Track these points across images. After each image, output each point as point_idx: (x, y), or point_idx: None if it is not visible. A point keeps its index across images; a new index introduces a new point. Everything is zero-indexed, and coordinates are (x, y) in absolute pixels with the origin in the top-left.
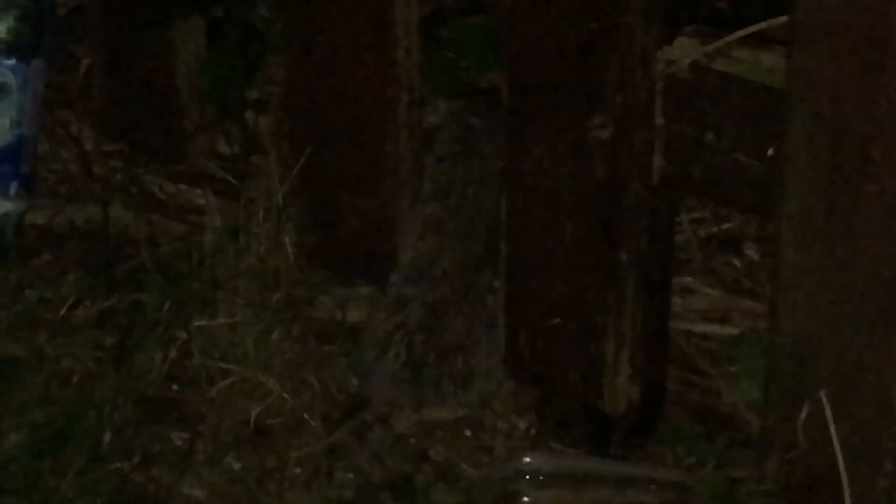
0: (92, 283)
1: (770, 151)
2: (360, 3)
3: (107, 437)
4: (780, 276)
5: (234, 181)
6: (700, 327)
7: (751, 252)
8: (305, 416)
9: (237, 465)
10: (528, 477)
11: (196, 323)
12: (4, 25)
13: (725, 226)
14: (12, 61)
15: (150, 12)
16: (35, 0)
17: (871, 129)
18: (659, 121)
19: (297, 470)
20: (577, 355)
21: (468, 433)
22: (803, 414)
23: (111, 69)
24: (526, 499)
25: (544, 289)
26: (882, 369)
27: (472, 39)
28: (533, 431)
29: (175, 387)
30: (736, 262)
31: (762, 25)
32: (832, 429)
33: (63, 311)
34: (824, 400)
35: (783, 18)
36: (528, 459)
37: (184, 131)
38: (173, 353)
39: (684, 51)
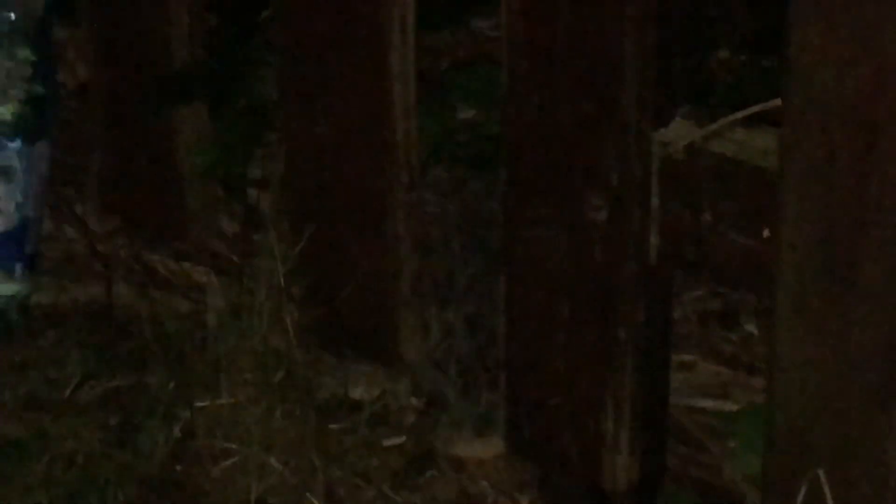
0: (96, 362)
1: (765, 232)
2: (360, 84)
3: None
4: (777, 353)
5: (235, 259)
6: (699, 402)
7: (749, 327)
8: (307, 494)
9: None
10: None
11: (199, 403)
12: (9, 108)
13: (722, 301)
14: (17, 144)
15: (153, 96)
16: (39, 83)
17: (864, 211)
18: (655, 201)
19: None
20: (577, 432)
21: None
22: (802, 492)
23: (114, 148)
24: None
25: (543, 366)
26: (879, 446)
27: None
28: None
29: (178, 466)
30: (734, 336)
31: (757, 108)
32: None
33: (68, 392)
34: (822, 478)
35: (777, 101)
36: None
37: (186, 209)
38: (177, 433)
39: (680, 132)
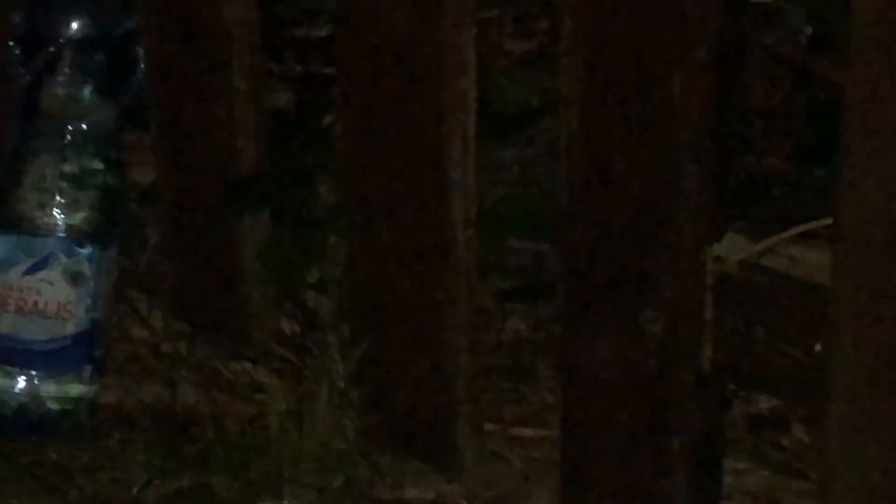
0: (161, 463)
1: (817, 347)
2: (421, 194)
3: None
4: (828, 461)
5: (296, 361)
6: None
7: (800, 433)
8: None
9: None
10: None
11: None
12: (81, 215)
13: (773, 408)
14: (87, 249)
15: (219, 203)
16: (109, 189)
17: None
18: (708, 314)
19: None
20: None
21: None
22: None
23: (179, 251)
24: None
25: (599, 475)
26: None
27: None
28: None
29: None
30: (785, 443)
31: (809, 225)
32: None
33: (134, 491)
34: None
35: (829, 219)
36: None
37: (248, 313)
38: None
39: (733, 247)
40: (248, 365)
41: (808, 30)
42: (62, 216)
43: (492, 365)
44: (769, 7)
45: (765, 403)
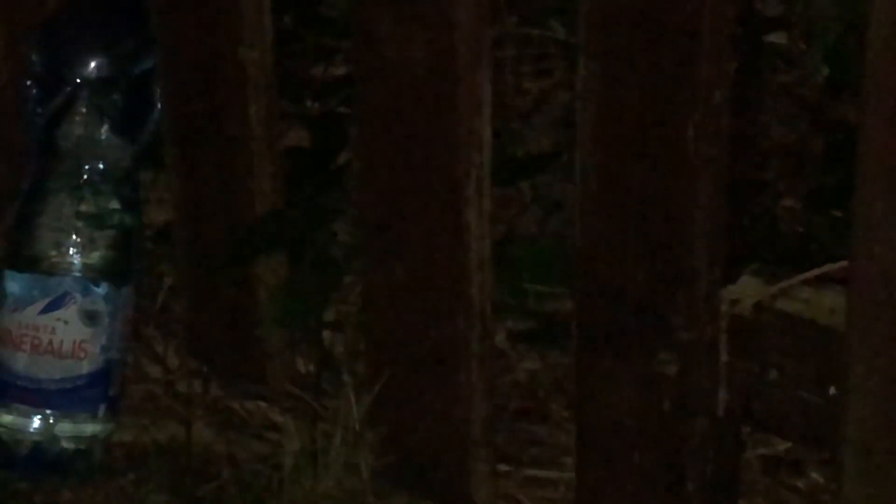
0: (176, 503)
1: (832, 390)
2: (436, 235)
3: None
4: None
5: (311, 401)
6: None
7: (815, 475)
8: None
9: None
10: None
11: None
12: (97, 255)
13: (788, 451)
14: (103, 288)
15: (235, 244)
16: (125, 228)
17: None
18: (723, 357)
19: None
20: None
21: None
22: None
23: (194, 290)
24: None
25: None
26: None
27: (541, 262)
28: None
29: None
30: (801, 485)
31: (823, 269)
32: None
33: None
34: None
35: (844, 263)
36: None
37: (264, 352)
38: None
39: (748, 290)
40: (263, 404)
41: (826, 70)
42: (78, 255)
43: (507, 406)
44: (786, 48)
45: (780, 446)
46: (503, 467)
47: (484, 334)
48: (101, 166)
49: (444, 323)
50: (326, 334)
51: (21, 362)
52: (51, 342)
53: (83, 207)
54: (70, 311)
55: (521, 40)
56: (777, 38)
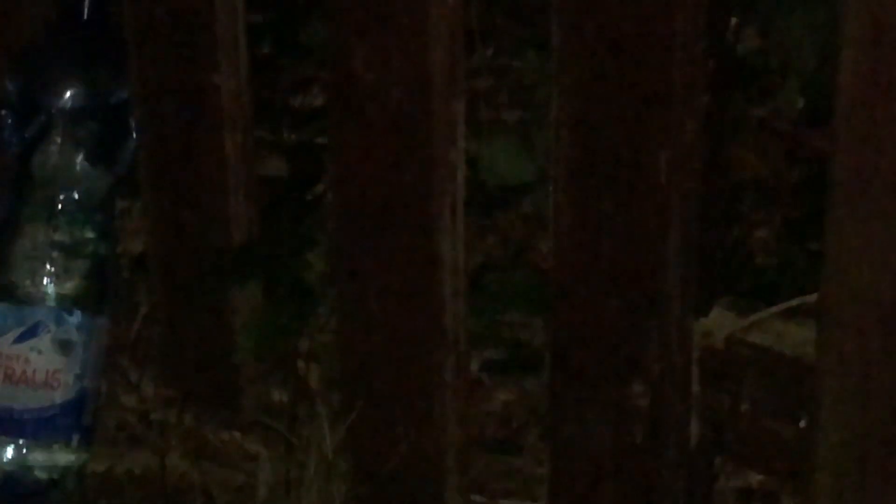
0: None
1: (802, 422)
2: (410, 265)
3: None
4: None
5: (285, 431)
6: None
7: None
8: None
9: None
10: None
11: None
12: (71, 284)
13: (760, 482)
14: (77, 317)
15: (210, 273)
16: (100, 258)
17: None
18: (696, 388)
19: None
20: None
21: None
22: None
23: (170, 319)
24: None
25: None
26: None
27: (516, 292)
28: None
29: None
30: None
31: (794, 302)
32: None
33: None
34: None
35: (814, 296)
36: None
37: (238, 381)
38: None
39: (719, 322)
40: (237, 434)
41: (801, 102)
42: (52, 285)
43: (481, 436)
44: (762, 80)
45: (753, 477)
46: (477, 497)
47: (458, 364)
48: (76, 195)
49: (419, 353)
50: (301, 364)
51: None
52: (24, 371)
53: (58, 237)
54: (44, 341)
55: (498, 72)
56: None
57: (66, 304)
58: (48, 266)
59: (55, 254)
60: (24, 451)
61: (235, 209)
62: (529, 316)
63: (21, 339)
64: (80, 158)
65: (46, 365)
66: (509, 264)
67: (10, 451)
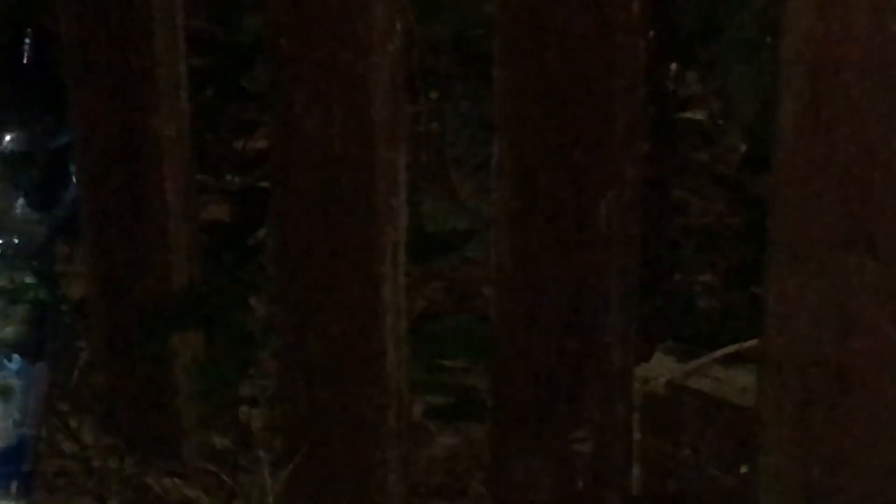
0: None
1: (743, 469)
2: (352, 311)
3: None
4: None
5: (227, 477)
6: None
7: None
8: None
9: None
10: None
11: None
12: (11, 329)
13: None
14: (17, 364)
15: (151, 319)
16: (40, 303)
17: (838, 454)
18: (637, 435)
19: None
20: None
21: None
22: None
23: (110, 365)
24: None
25: None
26: None
27: (459, 338)
28: None
29: None
30: None
31: (734, 348)
32: None
33: None
34: None
35: (755, 341)
36: None
37: (180, 428)
38: None
39: (661, 367)
40: (178, 481)
41: (743, 147)
42: None
43: (424, 482)
44: (705, 125)
45: None
46: None
47: (401, 410)
48: (15, 241)
49: (361, 399)
50: (243, 410)
51: None
52: None
53: None
54: None
55: (442, 116)
56: (693, 115)
57: (6, 350)
58: None
59: None
60: None
61: (176, 254)
62: (472, 362)
63: None
64: (20, 203)
65: None
66: (452, 310)
67: None
